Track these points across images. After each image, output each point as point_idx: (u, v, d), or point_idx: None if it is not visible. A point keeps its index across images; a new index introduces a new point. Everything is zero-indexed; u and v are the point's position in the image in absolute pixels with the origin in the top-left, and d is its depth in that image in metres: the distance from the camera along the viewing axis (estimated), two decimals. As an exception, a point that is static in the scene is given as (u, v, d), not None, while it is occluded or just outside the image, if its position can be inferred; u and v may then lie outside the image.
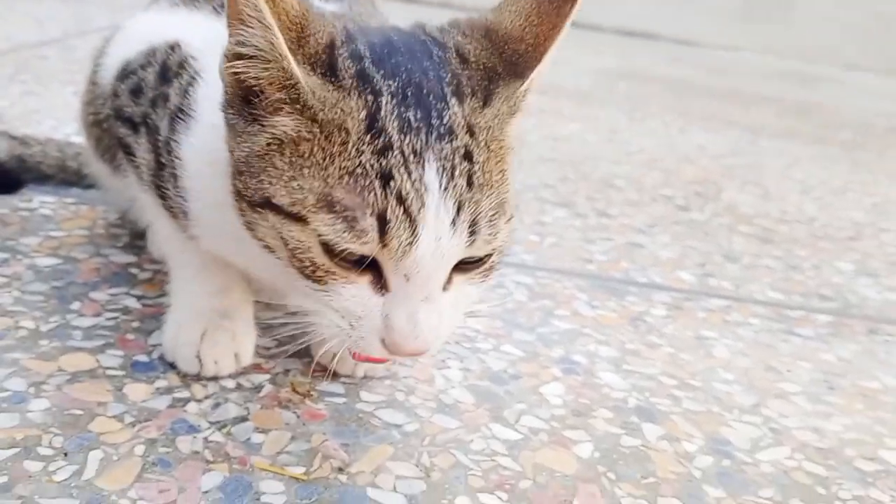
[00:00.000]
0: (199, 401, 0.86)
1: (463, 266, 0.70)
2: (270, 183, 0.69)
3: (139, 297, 1.04)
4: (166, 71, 0.90)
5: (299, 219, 0.68)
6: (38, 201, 1.27)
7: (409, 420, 0.88)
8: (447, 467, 0.82)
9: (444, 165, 0.66)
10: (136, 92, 0.92)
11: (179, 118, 0.84)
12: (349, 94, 0.67)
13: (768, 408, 1.04)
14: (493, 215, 0.68)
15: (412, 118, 0.67)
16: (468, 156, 0.67)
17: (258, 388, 0.90)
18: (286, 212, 0.68)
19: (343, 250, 0.66)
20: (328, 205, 0.66)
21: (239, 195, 0.72)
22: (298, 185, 0.67)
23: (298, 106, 0.68)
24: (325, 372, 0.94)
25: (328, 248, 0.67)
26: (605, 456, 0.88)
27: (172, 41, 0.92)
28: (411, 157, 0.65)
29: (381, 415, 0.89)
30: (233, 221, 0.77)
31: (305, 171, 0.67)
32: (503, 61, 0.73)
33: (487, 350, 1.06)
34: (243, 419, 0.84)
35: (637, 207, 1.79)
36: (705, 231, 1.70)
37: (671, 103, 3.17)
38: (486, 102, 0.71)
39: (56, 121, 1.70)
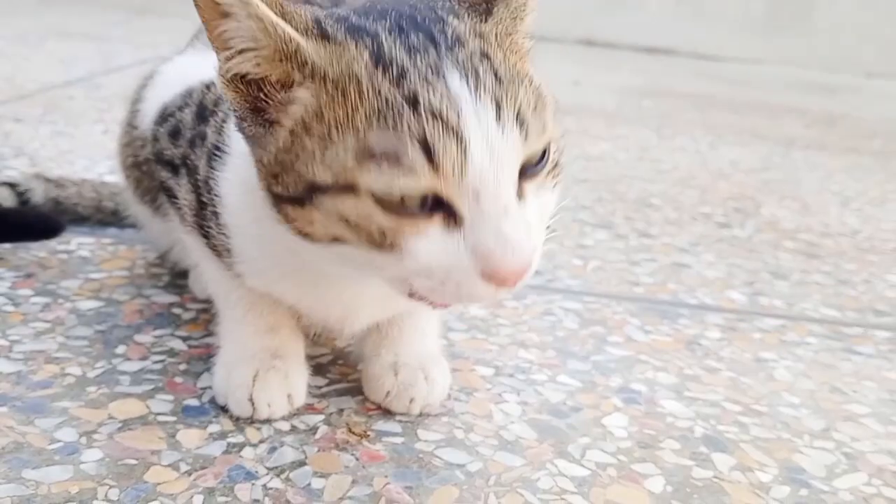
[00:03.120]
0: (254, 445, 0.83)
1: (528, 173, 0.67)
2: (307, 167, 0.66)
3: (184, 339, 1.02)
4: (203, 110, 0.88)
5: (347, 187, 0.64)
6: (76, 243, 1.25)
7: (471, 459, 0.85)
8: (515, 508, 0.79)
9: (465, 70, 0.64)
10: (175, 134, 0.90)
11: (216, 155, 0.82)
12: (346, 45, 0.66)
13: (839, 431, 1.00)
14: (536, 105, 0.66)
15: (416, 41, 0.66)
16: (485, 55, 0.66)
17: (313, 429, 0.87)
18: (334, 187, 0.65)
19: (400, 196, 0.63)
20: (368, 155, 0.63)
21: (281, 200, 0.69)
22: (333, 153, 0.64)
23: (307, 70, 0.66)
24: (380, 410, 0.91)
25: (387, 204, 0.63)
26: (677, 490, 0.84)
27: (208, 81, 0.90)
28: (429, 74, 0.63)
29: (442, 454, 0.85)
30: (276, 252, 0.75)
31: (335, 134, 0.64)
32: None
33: (543, 381, 1.03)
34: (301, 463, 0.81)
35: (677, 226, 1.76)
36: (749, 248, 1.66)
37: (698, 119, 3.14)
38: (486, 15, 0.70)
39: (89, 160, 1.69)
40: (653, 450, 0.91)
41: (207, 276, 0.94)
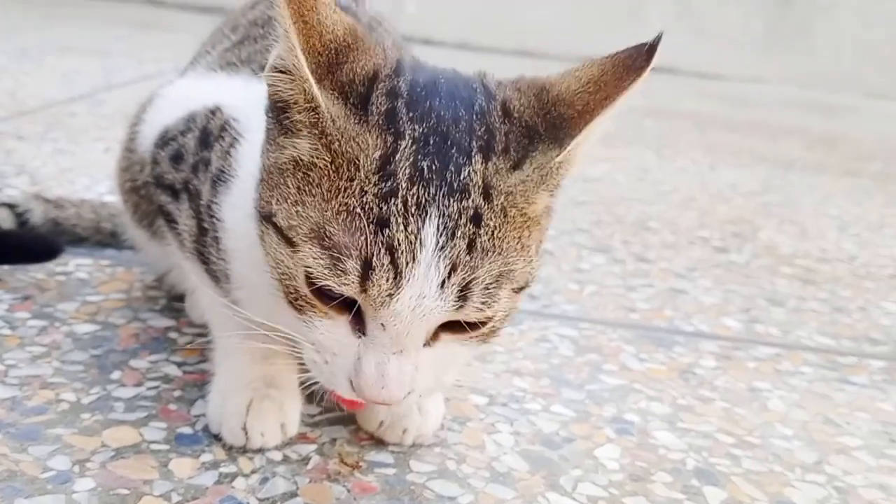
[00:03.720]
0: (246, 476, 0.83)
1: (455, 326, 0.68)
2: (277, 201, 0.68)
3: (179, 364, 1.02)
4: (207, 136, 0.89)
5: (291, 244, 0.66)
6: (74, 264, 1.25)
7: (462, 492, 0.85)
8: (506, 541, 0.79)
9: (446, 224, 0.63)
10: (177, 158, 0.91)
11: (220, 181, 0.83)
12: (370, 130, 0.65)
13: (831, 465, 1.00)
14: (492, 284, 0.65)
15: (426, 168, 0.64)
16: (476, 218, 0.65)
17: (305, 459, 0.87)
18: (283, 234, 0.67)
19: (324, 286, 0.65)
20: (319, 238, 0.64)
21: (257, 203, 0.72)
22: (298, 210, 0.66)
23: (316, 131, 0.66)
24: (373, 440, 0.92)
25: (311, 281, 0.66)
26: (668, 525, 0.85)
27: (212, 106, 0.91)
28: (413, 208, 0.63)
29: (434, 486, 0.85)
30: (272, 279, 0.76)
31: (308, 199, 0.66)
32: (546, 123, 0.69)
33: (537, 411, 1.03)
34: (293, 495, 0.81)
35: (675, 250, 1.76)
36: (746, 274, 1.67)
37: (698, 139, 3.15)
38: (516, 165, 0.67)
39: (90, 178, 1.70)
40: (644, 483, 0.91)
41: (204, 302, 0.95)
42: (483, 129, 0.67)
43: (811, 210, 2.28)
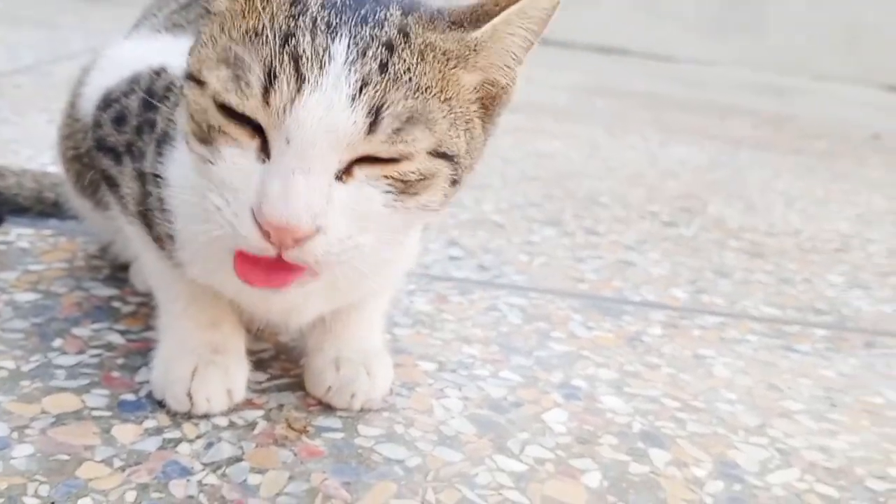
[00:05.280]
0: (190, 441, 0.82)
1: (371, 161, 0.67)
2: (194, 55, 0.69)
3: (123, 332, 1.00)
4: (151, 96, 0.87)
5: (200, 81, 0.67)
6: (16, 234, 1.23)
7: (410, 454, 0.85)
8: None
9: (357, 43, 0.65)
10: (120, 120, 0.89)
11: (165, 141, 0.81)
12: None
13: (774, 428, 1.01)
14: (406, 116, 0.65)
15: (339, 2, 0.67)
16: (389, 46, 0.66)
17: (252, 425, 0.86)
18: (194, 77, 0.68)
19: (229, 105, 0.65)
20: (226, 60, 0.65)
21: (185, 73, 0.71)
22: (209, 50, 0.68)
23: None
24: (321, 405, 0.91)
25: (222, 104, 0.66)
26: (613, 485, 0.85)
27: (157, 67, 0.89)
28: (323, 26, 0.65)
29: (382, 450, 0.85)
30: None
31: (220, 36, 0.68)
32: (470, 21, 0.71)
33: (485, 377, 1.03)
34: (238, 459, 0.80)
35: (625, 224, 1.77)
36: (694, 247, 1.69)
37: (649, 118, 3.17)
38: (434, 30, 0.69)
39: (34, 150, 1.66)
40: (591, 445, 0.92)
41: (148, 268, 0.93)
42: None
43: (759, 186, 2.32)
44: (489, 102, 0.74)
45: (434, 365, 1.04)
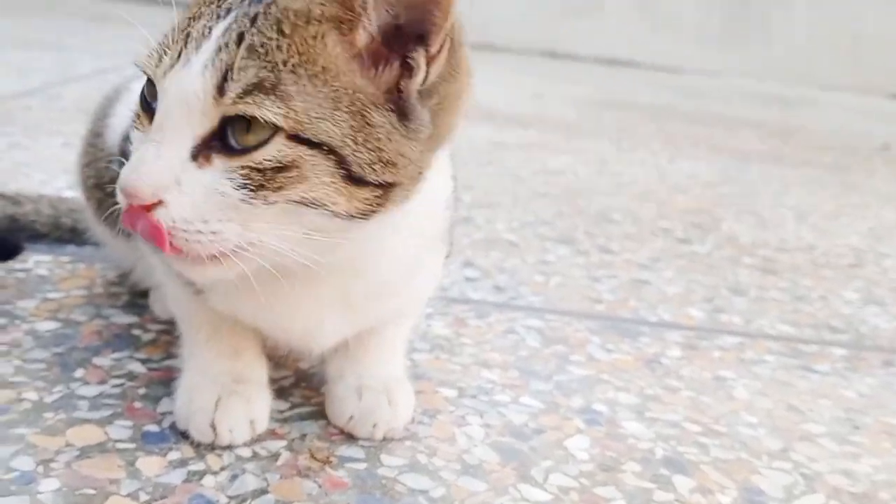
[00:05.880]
0: (215, 473, 0.82)
1: (227, 150, 0.67)
2: None
3: (144, 361, 1.00)
4: None
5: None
6: (34, 261, 1.23)
7: (434, 485, 0.85)
8: (479, 534, 0.79)
9: (235, 21, 0.68)
10: None
11: None
12: None
13: (796, 452, 1.01)
14: (257, 84, 0.65)
15: None
16: (254, 18, 0.68)
17: (275, 455, 0.86)
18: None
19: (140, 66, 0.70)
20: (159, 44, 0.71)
21: None
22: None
23: None
24: (343, 435, 0.91)
25: (143, 97, 0.72)
26: (639, 514, 0.85)
27: None
28: (223, 11, 0.69)
29: (405, 480, 0.85)
30: None
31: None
32: None
33: (506, 403, 1.03)
34: (263, 492, 0.80)
35: (638, 242, 1.77)
36: (708, 264, 1.69)
37: (656, 131, 3.18)
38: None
39: (45, 174, 1.66)
40: (614, 472, 0.91)
41: (172, 297, 0.93)
42: None
43: (769, 200, 2.32)
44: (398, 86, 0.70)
45: (454, 391, 1.04)
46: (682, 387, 1.14)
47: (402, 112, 0.70)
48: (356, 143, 0.68)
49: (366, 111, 0.68)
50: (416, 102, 0.70)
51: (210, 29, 0.68)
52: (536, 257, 1.59)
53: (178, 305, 0.93)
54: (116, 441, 0.85)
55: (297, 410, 0.95)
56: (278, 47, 0.67)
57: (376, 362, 0.94)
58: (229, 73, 0.66)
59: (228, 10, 0.69)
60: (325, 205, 0.68)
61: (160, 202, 0.66)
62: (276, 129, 0.66)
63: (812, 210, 2.26)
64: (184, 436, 0.86)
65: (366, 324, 0.91)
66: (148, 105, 0.71)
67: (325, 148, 0.67)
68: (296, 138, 0.66)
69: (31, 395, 0.90)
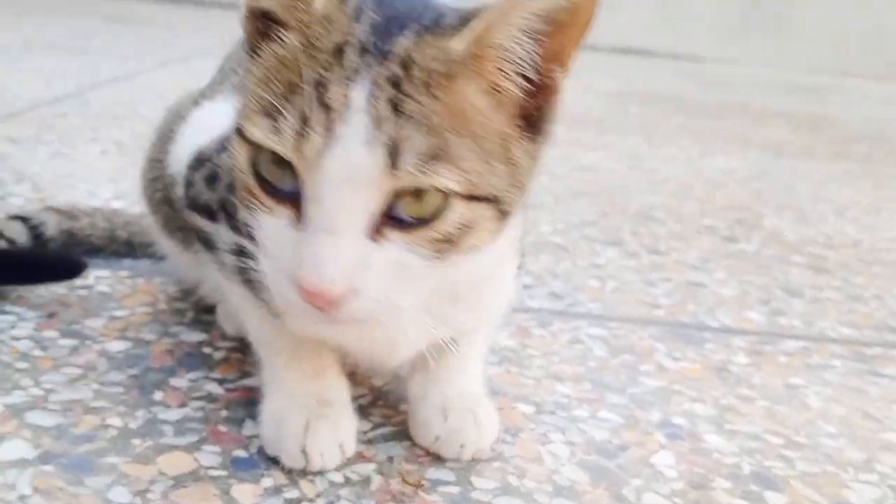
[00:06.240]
0: (311, 500, 0.81)
1: (402, 223, 0.65)
2: (240, 111, 0.69)
3: (220, 381, 0.99)
4: None
5: (242, 136, 0.67)
6: (94, 277, 1.22)
7: (530, 507, 0.84)
8: (580, 558, 0.78)
9: (374, 90, 0.63)
10: (212, 179, 0.89)
11: None
12: (340, 13, 0.66)
13: (881, 462, 1.00)
14: (425, 153, 0.63)
15: (371, 44, 0.64)
16: (398, 85, 0.64)
17: (367, 480, 0.85)
18: (238, 131, 0.68)
19: (273, 170, 0.65)
20: (264, 109, 0.65)
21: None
22: (250, 99, 0.67)
23: (293, 23, 0.67)
24: (430, 456, 0.90)
25: (258, 169, 0.66)
26: (737, 533, 0.84)
27: None
28: (352, 73, 0.63)
29: (500, 503, 0.84)
30: None
31: (261, 83, 0.67)
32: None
33: (585, 418, 1.02)
34: (361, 518, 0.79)
35: (684, 241, 1.76)
36: (758, 264, 1.67)
37: (683, 124, 3.16)
38: (440, 41, 0.65)
39: (91, 184, 1.65)
40: (705, 490, 0.90)
41: (249, 322, 0.92)
42: (432, 13, 0.67)
43: (808, 195, 2.30)
44: (524, 114, 0.69)
45: (531, 407, 1.03)
46: (756, 396, 1.13)
47: (531, 133, 0.70)
48: (511, 185, 0.68)
49: (510, 151, 0.68)
50: (549, 121, 0.70)
51: (347, 97, 0.63)
52: (587, 261, 1.58)
53: (255, 330, 0.92)
54: (208, 468, 0.84)
55: (379, 431, 0.94)
56: (434, 111, 0.64)
57: (458, 380, 0.93)
58: (398, 145, 0.63)
59: (356, 71, 0.64)
60: (480, 246, 0.69)
61: (351, 292, 0.65)
62: (449, 194, 0.65)
63: (851, 204, 2.24)
64: (273, 461, 0.85)
65: (442, 335, 0.89)
66: (273, 187, 0.67)
67: (494, 199, 0.67)
68: (469, 198, 0.66)
69: (116, 421, 0.89)
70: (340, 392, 0.90)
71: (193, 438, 0.88)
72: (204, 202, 0.90)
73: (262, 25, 0.69)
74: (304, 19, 0.66)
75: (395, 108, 0.63)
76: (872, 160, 2.86)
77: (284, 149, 0.64)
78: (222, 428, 0.91)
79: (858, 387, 1.19)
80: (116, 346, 1.05)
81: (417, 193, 0.64)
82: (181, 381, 0.99)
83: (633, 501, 0.87)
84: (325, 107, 0.63)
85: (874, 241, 1.91)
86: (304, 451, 0.83)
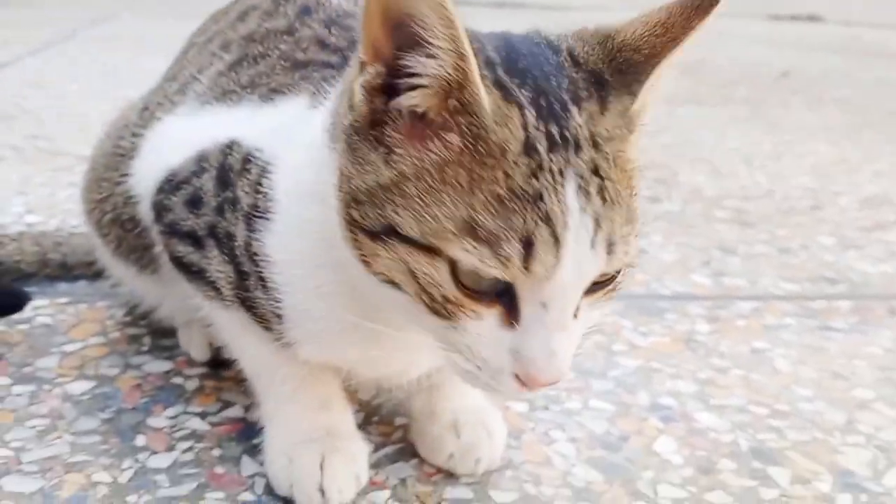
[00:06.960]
0: (334, 539, 0.77)
1: (589, 290, 0.64)
2: (397, 213, 0.62)
3: (202, 415, 0.94)
4: (226, 173, 0.80)
5: (430, 249, 0.61)
6: (31, 308, 1.12)
7: (556, 517, 0.83)
8: (617, 565, 0.77)
9: (580, 181, 0.60)
10: (195, 202, 0.81)
11: (256, 216, 0.75)
12: (511, 110, 0.61)
13: (861, 422, 1.03)
14: (627, 232, 0.62)
15: (555, 134, 0.61)
16: (597, 169, 0.61)
17: (386, 508, 0.82)
18: (416, 242, 0.62)
19: (481, 279, 0.61)
20: (470, 231, 0.60)
21: (354, 224, 0.64)
22: (435, 213, 0.61)
23: (462, 123, 0.61)
24: (441, 473, 0.87)
25: (458, 280, 0.62)
26: (757, 517, 0.85)
27: (226, 141, 0.81)
28: (557, 175, 0.60)
29: (525, 515, 0.83)
30: (337, 302, 0.72)
31: (446, 197, 0.61)
32: (612, 69, 0.65)
33: (579, 410, 1.01)
34: (391, 552, 0.76)
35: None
36: (688, 223, 1.70)
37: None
38: (602, 109, 0.63)
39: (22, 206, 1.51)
40: (714, 474, 0.91)
41: (247, 352, 0.86)
42: (566, 81, 0.64)
43: (712, 145, 2.35)
44: None
45: (524, 405, 1.01)
46: (729, 365, 1.15)
47: None
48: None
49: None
50: None
51: (564, 203, 0.59)
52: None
53: (253, 360, 0.86)
54: (218, 518, 0.79)
55: (383, 452, 0.90)
56: (624, 185, 0.62)
57: (464, 394, 0.90)
58: (612, 234, 0.60)
59: (561, 172, 0.60)
60: None
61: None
62: None
63: (754, 152, 2.31)
64: (284, 500, 0.81)
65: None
66: (476, 291, 0.62)
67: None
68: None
69: (103, 477, 0.83)
70: (347, 421, 0.86)
71: (192, 485, 0.83)
72: (187, 228, 0.82)
73: (403, 120, 0.63)
74: (471, 122, 0.61)
75: (603, 196, 0.61)
76: (755, 104, 2.95)
77: (509, 276, 0.60)
78: (219, 469, 0.85)
79: (816, 344, 1.23)
80: (78, 388, 0.97)
81: None
82: (160, 421, 0.92)
83: (650, 496, 0.87)
84: (547, 220, 0.59)
85: (787, 190, 1.98)
86: (321, 489, 0.79)
